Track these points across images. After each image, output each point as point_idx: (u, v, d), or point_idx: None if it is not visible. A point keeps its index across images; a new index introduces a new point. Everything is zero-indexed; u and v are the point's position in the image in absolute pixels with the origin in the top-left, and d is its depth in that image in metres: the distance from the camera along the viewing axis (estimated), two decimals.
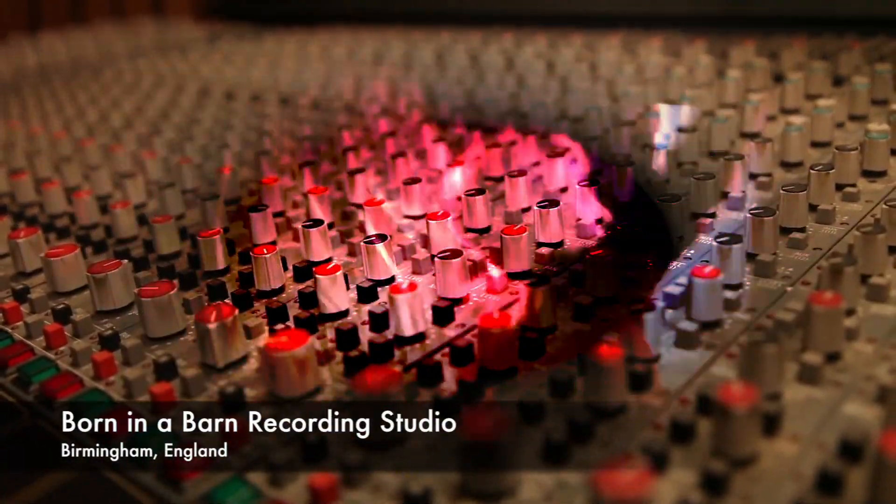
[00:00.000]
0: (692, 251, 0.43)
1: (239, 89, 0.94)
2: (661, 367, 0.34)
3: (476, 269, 0.44)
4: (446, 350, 0.37)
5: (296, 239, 0.51)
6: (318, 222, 0.48)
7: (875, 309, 0.37)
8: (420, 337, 0.38)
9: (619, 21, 1.04)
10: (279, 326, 0.41)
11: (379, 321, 0.39)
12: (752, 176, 0.52)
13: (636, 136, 0.59)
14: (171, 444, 0.33)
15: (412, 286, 0.38)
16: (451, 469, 0.30)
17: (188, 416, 0.34)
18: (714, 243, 0.39)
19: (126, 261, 0.45)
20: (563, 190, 0.54)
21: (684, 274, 0.38)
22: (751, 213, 0.42)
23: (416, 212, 0.53)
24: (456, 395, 0.33)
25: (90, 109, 0.89)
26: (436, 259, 0.41)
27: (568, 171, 0.54)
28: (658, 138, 0.53)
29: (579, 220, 0.48)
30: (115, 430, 0.34)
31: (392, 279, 0.44)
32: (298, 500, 0.29)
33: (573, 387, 0.33)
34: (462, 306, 0.41)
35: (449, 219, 0.46)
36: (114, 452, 0.33)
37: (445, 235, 0.46)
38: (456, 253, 0.41)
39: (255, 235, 0.51)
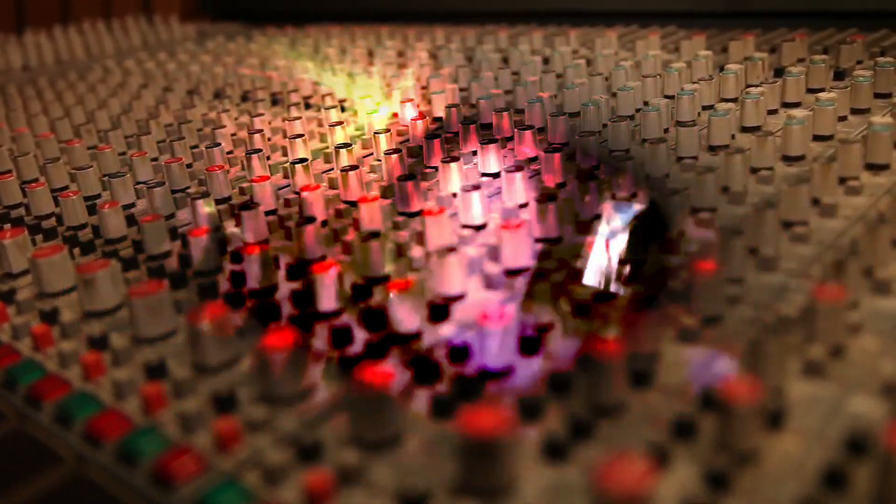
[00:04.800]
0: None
1: (229, 88, 0.93)
2: (663, 364, 0.34)
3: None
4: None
5: (288, 237, 0.51)
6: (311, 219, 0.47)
7: (879, 302, 0.36)
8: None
9: (617, 17, 1.04)
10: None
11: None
12: (754, 170, 0.51)
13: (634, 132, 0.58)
14: (162, 447, 0.32)
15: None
16: (448, 468, 0.29)
17: (179, 418, 0.33)
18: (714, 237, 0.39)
19: (114, 261, 0.45)
20: (561, 185, 0.54)
21: None
22: (753, 207, 0.41)
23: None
24: (454, 393, 0.33)
25: (77, 109, 0.88)
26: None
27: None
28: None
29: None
30: (104, 432, 0.33)
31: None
32: (294, 501, 0.29)
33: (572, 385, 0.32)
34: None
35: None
36: (104, 455, 0.32)
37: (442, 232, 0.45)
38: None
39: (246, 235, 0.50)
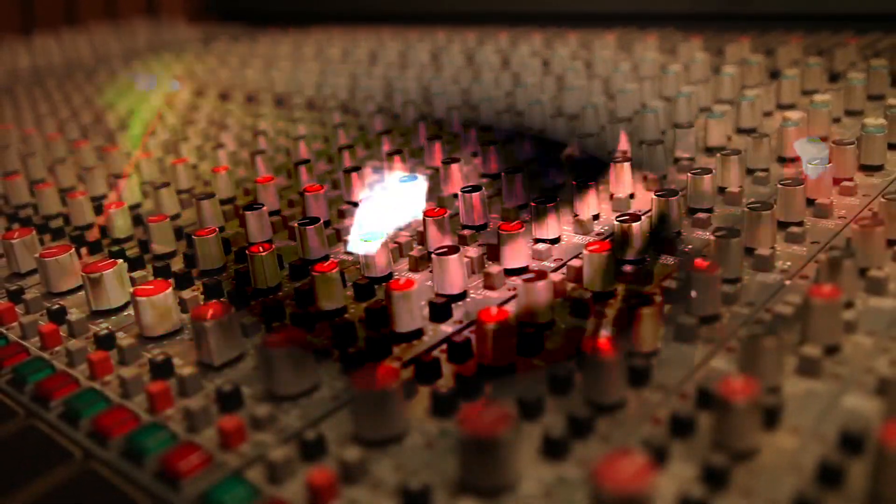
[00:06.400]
0: None
1: (233, 90, 0.94)
2: (661, 362, 0.34)
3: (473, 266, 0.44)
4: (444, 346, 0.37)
5: (291, 237, 0.51)
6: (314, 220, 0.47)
7: (874, 302, 0.37)
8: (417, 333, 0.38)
9: (615, 19, 1.04)
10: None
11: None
12: (750, 171, 0.52)
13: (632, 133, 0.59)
14: (168, 444, 0.32)
15: (409, 283, 0.38)
16: (449, 466, 0.30)
17: (185, 415, 0.34)
18: (712, 237, 0.39)
19: (121, 260, 0.45)
20: (560, 187, 0.54)
21: None
22: (748, 208, 0.42)
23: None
24: (454, 391, 0.33)
25: (84, 111, 0.88)
26: (433, 255, 0.41)
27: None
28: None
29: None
30: (111, 429, 0.33)
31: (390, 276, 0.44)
32: (297, 497, 0.29)
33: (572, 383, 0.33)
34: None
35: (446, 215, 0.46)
36: (111, 452, 0.33)
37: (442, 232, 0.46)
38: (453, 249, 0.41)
39: (251, 234, 0.51)
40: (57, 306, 0.44)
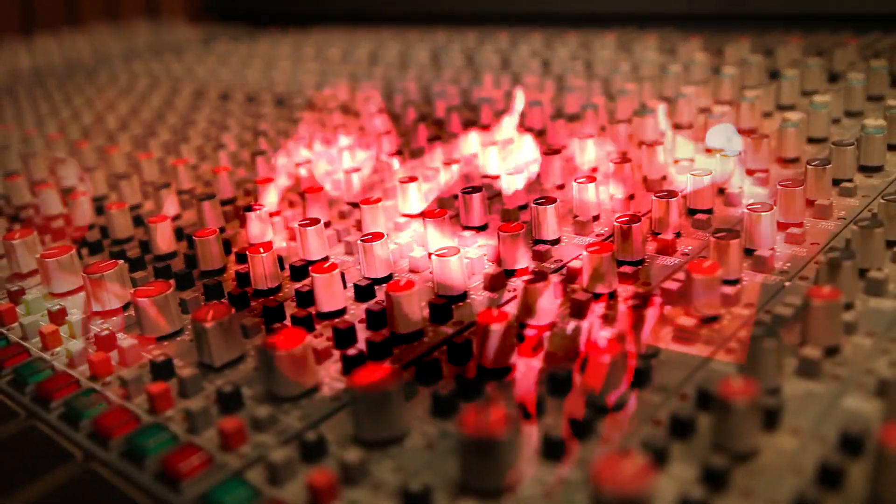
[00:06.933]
0: None
1: (234, 90, 0.94)
2: (661, 363, 0.34)
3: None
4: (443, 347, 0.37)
5: (292, 238, 0.51)
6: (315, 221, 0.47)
7: (873, 303, 0.37)
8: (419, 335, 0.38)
9: (615, 19, 1.04)
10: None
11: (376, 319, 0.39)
12: (749, 172, 0.52)
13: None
14: (169, 444, 0.33)
15: (409, 284, 0.38)
16: (450, 467, 0.30)
17: (186, 416, 0.34)
18: (712, 239, 0.39)
19: (122, 261, 0.45)
20: (560, 187, 0.54)
21: None
22: (748, 209, 0.42)
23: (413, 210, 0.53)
24: (455, 392, 0.33)
25: (85, 111, 0.88)
26: (434, 256, 0.41)
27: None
28: None
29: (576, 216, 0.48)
30: (112, 430, 0.33)
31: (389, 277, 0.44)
32: (298, 499, 0.29)
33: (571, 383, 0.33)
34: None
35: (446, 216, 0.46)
36: (111, 453, 0.33)
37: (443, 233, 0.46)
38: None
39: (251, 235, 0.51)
40: (58, 307, 0.44)
